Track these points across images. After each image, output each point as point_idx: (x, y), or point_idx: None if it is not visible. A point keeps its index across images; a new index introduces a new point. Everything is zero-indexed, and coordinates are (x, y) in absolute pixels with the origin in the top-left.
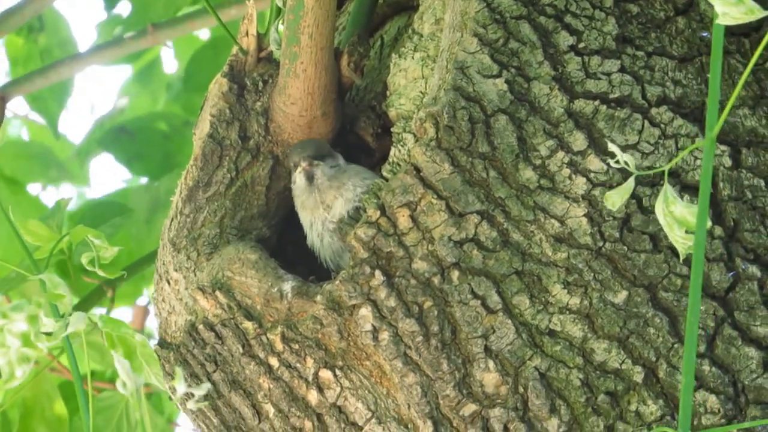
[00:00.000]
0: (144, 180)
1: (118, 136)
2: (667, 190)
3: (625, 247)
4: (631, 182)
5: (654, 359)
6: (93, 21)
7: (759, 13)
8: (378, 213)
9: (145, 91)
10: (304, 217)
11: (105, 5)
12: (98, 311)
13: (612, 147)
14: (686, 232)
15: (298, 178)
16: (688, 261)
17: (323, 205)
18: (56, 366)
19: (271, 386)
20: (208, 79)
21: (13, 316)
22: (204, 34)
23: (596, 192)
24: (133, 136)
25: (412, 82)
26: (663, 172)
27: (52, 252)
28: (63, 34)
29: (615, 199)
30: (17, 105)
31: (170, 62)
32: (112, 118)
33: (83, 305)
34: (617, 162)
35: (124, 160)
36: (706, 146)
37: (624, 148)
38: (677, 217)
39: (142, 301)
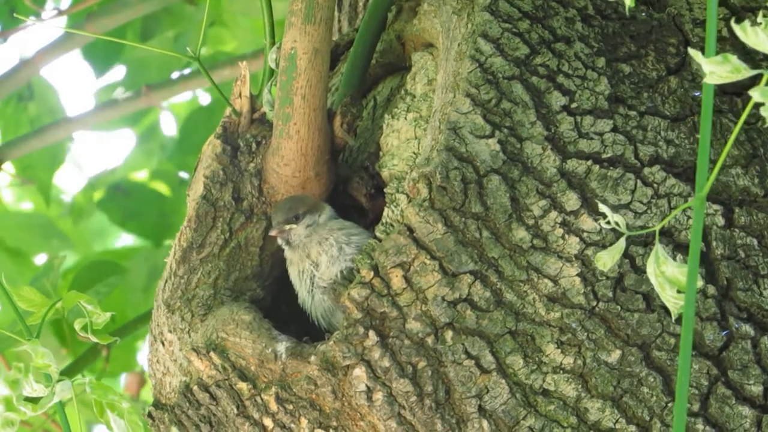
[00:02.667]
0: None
1: (113, 194)
2: (658, 250)
3: (619, 307)
4: (622, 243)
5: (648, 418)
6: (84, 86)
7: (746, 72)
8: (371, 273)
9: (144, 155)
10: (293, 273)
11: (95, 73)
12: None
13: (603, 208)
14: (678, 291)
15: (280, 244)
16: (680, 320)
17: (309, 259)
18: (52, 428)
19: None
20: (202, 140)
21: None
22: (204, 99)
23: (589, 251)
24: (127, 195)
25: (405, 143)
26: (654, 231)
27: (44, 318)
28: (52, 102)
29: (606, 260)
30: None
31: (170, 124)
32: (105, 177)
33: (79, 364)
34: (608, 222)
35: (118, 220)
36: (695, 206)
37: (616, 208)
38: (668, 277)
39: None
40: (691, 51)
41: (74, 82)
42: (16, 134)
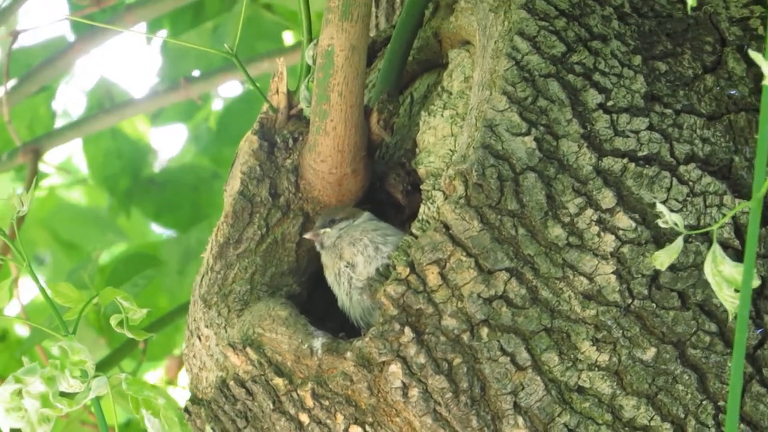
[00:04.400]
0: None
1: (147, 188)
2: (716, 250)
3: (654, 305)
4: (679, 242)
5: (683, 416)
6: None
7: None
8: (407, 270)
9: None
10: (330, 278)
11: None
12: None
13: (660, 207)
14: (735, 291)
15: (317, 248)
16: (716, 318)
17: (342, 261)
18: (89, 419)
19: None
20: (240, 131)
21: (27, 379)
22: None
23: (625, 249)
24: (162, 188)
25: (442, 140)
26: (707, 231)
27: (80, 314)
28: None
29: (663, 259)
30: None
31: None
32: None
33: (116, 356)
34: (665, 222)
35: (152, 213)
36: (752, 207)
37: (652, 206)
38: (726, 277)
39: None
40: (752, 53)
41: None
42: (96, 142)
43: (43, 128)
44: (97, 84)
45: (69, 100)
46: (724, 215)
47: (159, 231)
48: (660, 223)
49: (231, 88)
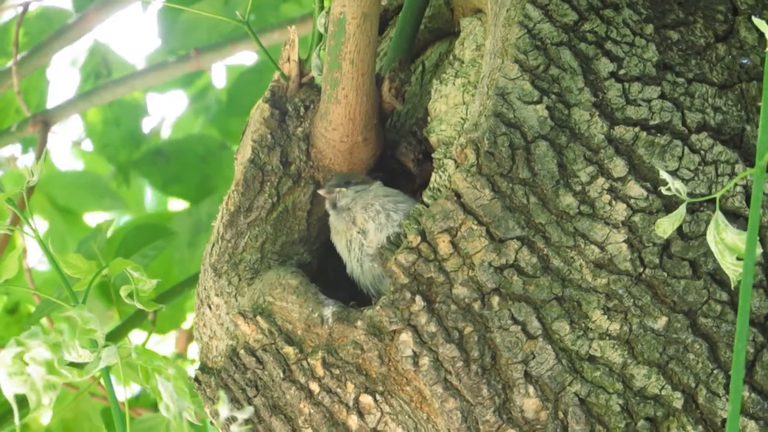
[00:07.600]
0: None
1: (154, 159)
2: (719, 217)
3: (665, 273)
4: (682, 209)
5: (694, 385)
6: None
7: None
8: (419, 238)
9: (194, 116)
10: (340, 243)
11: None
12: (138, 336)
13: (664, 174)
14: (737, 258)
15: (327, 207)
16: (728, 286)
17: (355, 227)
18: (99, 391)
19: (312, 411)
20: (251, 102)
21: (30, 344)
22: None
23: (636, 218)
24: (168, 159)
25: (453, 108)
26: (708, 199)
27: (90, 285)
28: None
29: (666, 227)
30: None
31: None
32: (149, 140)
33: (125, 327)
34: (668, 189)
35: (159, 184)
36: (756, 174)
37: None
38: (728, 244)
39: (186, 324)
40: (756, 20)
41: (128, 42)
42: (94, 111)
43: (38, 98)
44: (92, 51)
45: (65, 67)
46: (736, 184)
47: (159, 199)
48: (663, 190)
49: (233, 59)
